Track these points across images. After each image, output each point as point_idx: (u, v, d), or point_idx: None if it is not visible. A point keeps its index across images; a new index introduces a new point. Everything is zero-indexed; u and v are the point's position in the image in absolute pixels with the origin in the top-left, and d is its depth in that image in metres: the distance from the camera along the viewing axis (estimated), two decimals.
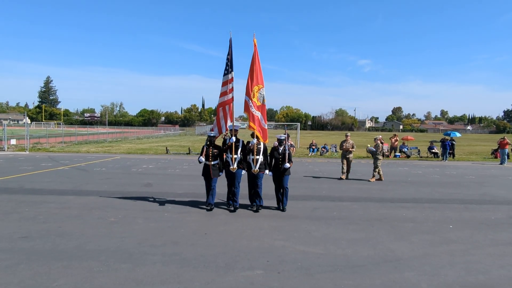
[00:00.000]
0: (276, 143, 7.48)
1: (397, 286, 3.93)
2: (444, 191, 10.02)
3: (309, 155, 21.84)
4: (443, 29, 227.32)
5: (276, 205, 7.56)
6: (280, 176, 7.28)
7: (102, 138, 36.38)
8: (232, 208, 7.23)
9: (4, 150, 21.37)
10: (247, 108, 7.48)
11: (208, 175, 7.24)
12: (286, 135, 7.57)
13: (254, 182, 7.27)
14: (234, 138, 7.13)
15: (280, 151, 7.36)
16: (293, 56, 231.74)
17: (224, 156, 7.38)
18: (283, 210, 7.24)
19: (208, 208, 7.25)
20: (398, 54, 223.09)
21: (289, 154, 7.37)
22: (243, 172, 7.33)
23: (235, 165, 7.15)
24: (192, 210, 7.20)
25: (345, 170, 12.12)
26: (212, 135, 7.39)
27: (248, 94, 7.50)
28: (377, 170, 11.68)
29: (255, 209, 7.25)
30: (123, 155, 20.36)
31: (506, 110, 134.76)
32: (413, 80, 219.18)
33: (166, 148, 23.82)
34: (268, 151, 7.55)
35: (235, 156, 7.18)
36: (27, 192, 8.73)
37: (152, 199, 8.22)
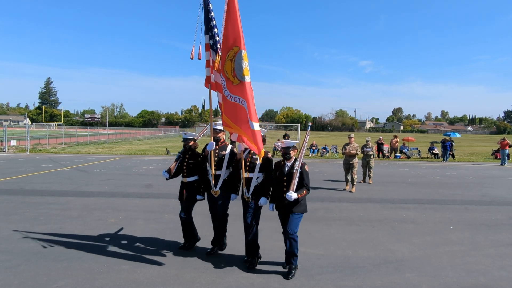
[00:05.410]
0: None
1: (397, 287, 3.92)
2: (444, 192, 10.01)
3: (310, 156, 21.85)
4: (444, 30, 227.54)
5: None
6: (284, 213, 4.25)
7: (103, 139, 36.39)
8: (212, 252, 4.85)
9: (5, 151, 21.39)
10: (219, 90, 4.53)
11: (183, 198, 4.94)
12: (292, 142, 4.32)
13: (247, 218, 4.52)
14: (213, 144, 4.65)
15: (287, 169, 4.26)
16: (294, 57, 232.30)
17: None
18: (289, 272, 4.15)
19: (183, 245, 5.02)
20: (399, 55, 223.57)
21: (302, 174, 4.16)
22: (235, 197, 4.78)
23: (218, 187, 4.63)
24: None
25: (350, 180, 10.05)
26: (190, 137, 4.99)
27: (218, 66, 4.44)
28: (372, 170, 11.60)
29: (249, 264, 4.45)
30: (123, 156, 20.36)
31: (506, 110, 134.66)
32: (414, 81, 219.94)
33: (167, 149, 23.83)
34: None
35: (218, 172, 4.65)
36: (27, 193, 8.73)
37: (152, 200, 8.22)
